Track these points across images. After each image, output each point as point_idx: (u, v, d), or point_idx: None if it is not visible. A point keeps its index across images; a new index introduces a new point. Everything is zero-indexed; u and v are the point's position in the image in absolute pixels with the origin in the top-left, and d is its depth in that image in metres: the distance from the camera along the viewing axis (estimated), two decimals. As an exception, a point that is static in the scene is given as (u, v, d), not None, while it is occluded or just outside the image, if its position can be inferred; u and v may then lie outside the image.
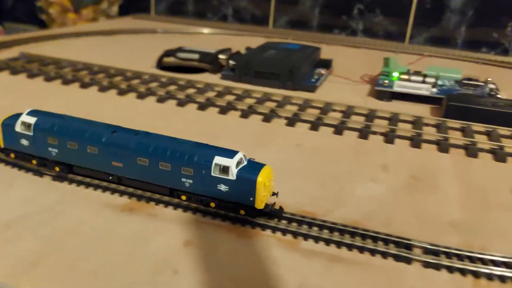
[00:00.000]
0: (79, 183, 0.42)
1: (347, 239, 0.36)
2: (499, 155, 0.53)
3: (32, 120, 0.42)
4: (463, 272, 0.34)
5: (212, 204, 0.38)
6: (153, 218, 0.39)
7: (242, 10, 1.34)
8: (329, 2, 1.26)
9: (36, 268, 0.32)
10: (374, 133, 0.58)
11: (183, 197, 0.39)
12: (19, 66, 0.76)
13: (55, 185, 0.43)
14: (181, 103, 0.64)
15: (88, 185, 0.42)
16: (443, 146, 0.55)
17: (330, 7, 1.27)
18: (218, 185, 0.37)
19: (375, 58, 0.97)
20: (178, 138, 0.40)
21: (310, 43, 1.10)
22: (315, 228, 0.37)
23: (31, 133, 0.42)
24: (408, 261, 0.35)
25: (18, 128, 0.43)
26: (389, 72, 0.75)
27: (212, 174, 0.37)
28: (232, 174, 0.37)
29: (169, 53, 0.81)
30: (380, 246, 0.36)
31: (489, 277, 0.34)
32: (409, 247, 0.36)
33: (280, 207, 0.39)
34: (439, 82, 0.73)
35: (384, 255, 0.35)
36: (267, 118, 0.60)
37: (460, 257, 0.35)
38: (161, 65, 0.81)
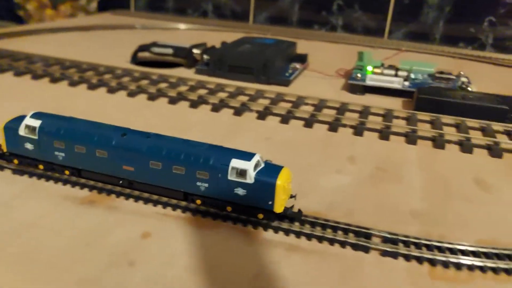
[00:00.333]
0: (40, 176, 0.42)
1: (306, 229, 0.36)
2: (465, 147, 0.54)
3: (36, 123, 0.40)
4: (419, 260, 0.34)
5: (229, 208, 0.37)
6: (114, 210, 0.38)
7: (222, 6, 1.34)
8: (309, -2, 1.26)
9: (-11, 261, 0.32)
10: (344, 126, 0.58)
11: (198, 202, 0.38)
12: (-11, 61, 0.75)
13: (15, 179, 0.42)
14: (152, 97, 0.63)
15: (48, 178, 0.42)
16: (411, 138, 0.55)
17: (310, 3, 1.27)
18: (235, 189, 0.36)
19: (353, 53, 0.97)
20: (191, 141, 0.39)
21: (290, 38, 1.10)
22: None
23: (36, 137, 0.40)
24: (366, 250, 0.35)
25: (22, 131, 0.41)
26: (363, 66, 0.75)
27: (229, 177, 0.36)
28: (250, 178, 0.35)
29: (143, 48, 0.80)
30: (340, 236, 0.36)
31: (445, 264, 0.34)
32: (368, 236, 0.36)
33: (299, 210, 0.37)
34: (412, 76, 0.73)
35: (343, 244, 0.36)
36: (238, 112, 0.60)
37: (418, 246, 0.36)
38: (136, 60, 0.81)
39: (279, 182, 0.35)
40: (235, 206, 0.37)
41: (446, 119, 0.61)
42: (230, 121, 0.59)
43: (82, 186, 0.41)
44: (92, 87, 0.66)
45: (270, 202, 0.36)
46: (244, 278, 0.32)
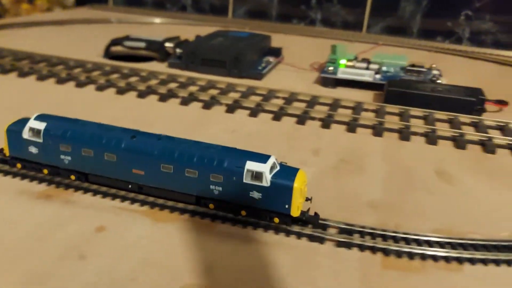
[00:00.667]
0: (-4, 171, 0.41)
1: (263, 223, 0.36)
2: (431, 138, 0.54)
3: (41, 125, 0.39)
4: (373, 250, 0.35)
5: (243, 213, 0.36)
6: (70, 204, 0.38)
7: (201, 0, 1.33)
8: (288, -8, 1.26)
9: None
10: (313, 118, 0.58)
11: (211, 206, 0.37)
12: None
13: (-28, 174, 0.42)
14: (120, 91, 0.63)
15: (6, 173, 0.41)
16: (377, 130, 0.55)
17: (289, -4, 1.26)
18: (251, 192, 0.35)
19: (330, 47, 0.97)
20: (204, 143, 0.38)
21: (269, 32, 1.10)
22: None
23: (40, 140, 0.39)
24: (321, 240, 0.35)
25: (26, 134, 0.39)
26: (336, 59, 0.75)
27: (244, 180, 0.35)
28: (266, 181, 0.34)
29: (116, 42, 0.80)
30: (296, 227, 0.36)
31: (398, 254, 0.34)
32: (324, 227, 0.37)
33: (316, 213, 0.36)
34: (384, 69, 0.73)
35: (299, 235, 0.36)
36: (207, 105, 0.60)
37: (373, 236, 0.36)
38: (109, 54, 0.80)
39: (296, 185, 0.34)
40: (250, 210, 0.36)
41: (415, 111, 0.62)
42: (198, 114, 0.58)
43: (40, 180, 0.40)
44: (60, 81, 0.65)
45: (286, 206, 0.35)
46: (197, 269, 0.32)
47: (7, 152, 0.41)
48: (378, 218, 0.39)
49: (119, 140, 0.37)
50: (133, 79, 0.67)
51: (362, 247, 0.35)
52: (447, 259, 0.34)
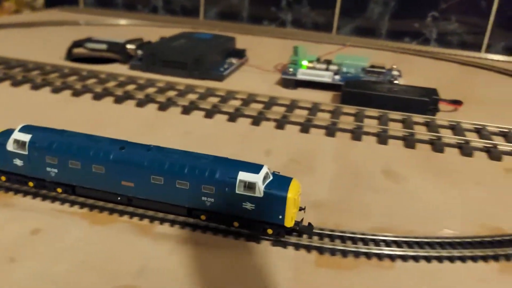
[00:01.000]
0: None
1: (201, 222, 0.37)
2: (382, 138, 0.55)
3: (26, 137, 0.38)
4: (308, 248, 0.35)
5: (236, 224, 0.36)
6: (9, 207, 0.38)
7: (173, 2, 1.32)
8: (258, -6, 1.27)
9: None
10: (268, 119, 0.59)
11: (203, 217, 0.36)
12: None
13: None
14: (76, 93, 0.62)
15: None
16: (330, 130, 0.56)
17: (260, -2, 1.27)
18: (244, 203, 0.34)
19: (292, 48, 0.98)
20: (195, 153, 0.37)
21: (239, 34, 1.10)
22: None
23: (25, 152, 0.38)
24: (258, 240, 0.36)
25: (10, 147, 0.38)
26: (297, 60, 0.76)
27: (237, 191, 0.34)
28: (259, 191, 0.34)
29: (77, 43, 0.79)
30: (234, 227, 0.36)
31: (332, 252, 0.35)
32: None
33: (309, 223, 0.36)
34: (344, 70, 0.74)
35: (236, 236, 0.36)
36: (163, 107, 0.60)
37: (309, 235, 0.36)
38: (70, 56, 0.80)
39: (290, 195, 0.34)
40: (242, 221, 0.35)
41: (371, 111, 0.63)
42: (153, 116, 0.58)
43: (-21, 184, 0.40)
44: (15, 84, 0.64)
45: (280, 216, 0.34)
46: (132, 271, 0.32)
47: None
48: (319, 218, 0.39)
49: (108, 151, 0.37)
50: (90, 81, 0.67)
51: (297, 246, 0.35)
52: (379, 256, 0.35)
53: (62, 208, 0.38)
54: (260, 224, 0.35)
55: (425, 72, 0.89)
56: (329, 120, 0.58)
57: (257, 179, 0.34)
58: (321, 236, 0.36)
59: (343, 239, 0.36)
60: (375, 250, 0.35)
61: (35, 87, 0.64)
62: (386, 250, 0.35)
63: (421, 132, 0.56)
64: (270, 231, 0.35)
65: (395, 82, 0.71)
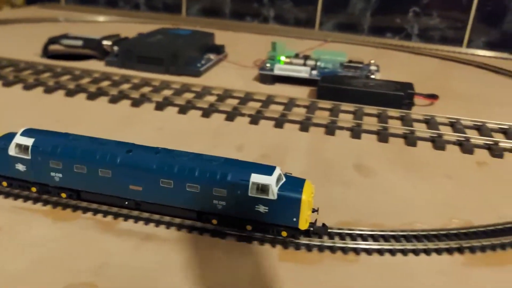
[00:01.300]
0: None
1: (165, 218, 0.36)
2: (355, 132, 0.55)
3: (29, 141, 0.36)
4: (273, 243, 0.35)
5: (249, 227, 0.35)
6: (-31, 206, 0.37)
7: (154, -2, 1.31)
8: (241, -10, 1.26)
9: None
10: (242, 115, 0.58)
11: (214, 221, 0.35)
12: None
13: None
14: (49, 90, 0.61)
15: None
16: (304, 125, 0.56)
17: (243, -6, 1.26)
18: (256, 206, 0.34)
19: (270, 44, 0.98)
20: (205, 155, 0.36)
21: (222, 30, 1.10)
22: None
23: (28, 157, 0.36)
24: (222, 236, 0.35)
25: (12, 151, 0.37)
26: (275, 56, 0.75)
27: (249, 194, 0.33)
28: (273, 194, 0.33)
29: (53, 40, 0.78)
30: (198, 224, 0.36)
31: (297, 246, 0.35)
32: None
33: (323, 224, 0.35)
34: (322, 65, 0.74)
35: (201, 231, 0.36)
36: (137, 103, 0.59)
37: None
38: (46, 53, 0.78)
39: (304, 197, 0.33)
40: (255, 224, 0.34)
41: (347, 106, 0.62)
42: (126, 112, 0.58)
43: None
44: (-14, 81, 0.64)
45: (294, 219, 0.33)
46: (89, 268, 0.31)
47: None
48: (286, 212, 0.39)
49: (114, 155, 0.35)
50: (64, 78, 0.66)
51: (262, 241, 0.35)
52: (344, 250, 0.34)
53: (25, 205, 0.37)
54: (274, 227, 0.34)
55: (404, 67, 0.89)
56: (304, 115, 0.58)
57: (270, 181, 0.33)
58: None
59: (308, 233, 0.36)
60: (339, 244, 0.35)
61: (6, 84, 0.63)
62: (351, 244, 0.35)
63: (394, 126, 0.56)
64: (284, 233, 0.34)
65: (372, 77, 0.71)
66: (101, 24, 1.15)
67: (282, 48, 0.78)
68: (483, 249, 0.35)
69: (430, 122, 0.59)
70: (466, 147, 0.52)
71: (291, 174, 0.35)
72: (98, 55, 0.77)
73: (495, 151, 0.52)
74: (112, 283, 0.30)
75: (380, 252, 0.34)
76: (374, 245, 0.35)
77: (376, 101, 0.63)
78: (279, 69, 0.71)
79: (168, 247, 0.34)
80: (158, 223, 0.36)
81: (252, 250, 0.34)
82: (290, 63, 0.73)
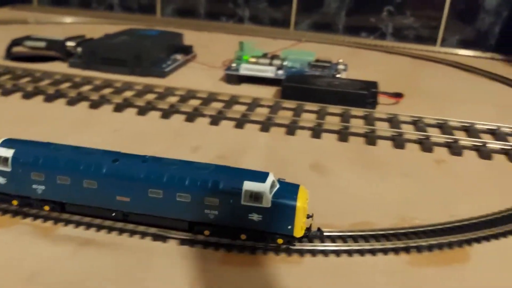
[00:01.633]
0: None
1: (106, 223, 0.35)
2: (316, 132, 0.54)
3: (8, 153, 0.35)
4: (216, 246, 0.34)
5: (243, 236, 0.34)
6: None
7: (129, -1, 1.30)
8: (216, -10, 1.25)
9: None
10: (203, 116, 0.58)
11: (206, 232, 0.34)
12: None
13: None
14: (4, 93, 0.60)
15: None
16: (265, 125, 0.55)
17: (218, -6, 1.26)
18: (250, 215, 0.33)
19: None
20: (195, 163, 0.35)
21: (196, 32, 1.10)
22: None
23: (8, 169, 0.35)
24: (164, 239, 0.34)
25: None
26: (242, 56, 0.75)
27: (242, 202, 0.32)
28: (267, 201, 0.32)
29: (16, 42, 0.77)
30: (141, 227, 0.35)
31: (241, 249, 0.34)
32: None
33: (318, 228, 0.34)
34: (289, 65, 0.73)
35: (143, 235, 0.35)
36: (95, 105, 0.58)
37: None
38: (10, 55, 0.77)
39: (299, 204, 0.32)
40: (250, 233, 0.33)
41: (311, 106, 0.62)
42: (83, 114, 0.56)
43: None
44: None
45: (289, 227, 0.32)
46: (21, 277, 0.30)
47: None
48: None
49: (100, 164, 0.34)
50: (23, 80, 0.65)
51: (205, 245, 0.34)
52: (288, 252, 0.34)
53: (-38, 212, 0.36)
54: (269, 235, 0.33)
55: (375, 66, 0.89)
56: (266, 115, 0.57)
57: (264, 188, 0.32)
58: (232, 233, 0.35)
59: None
60: (284, 245, 0.34)
61: (-38, 87, 0.61)
62: (296, 245, 0.34)
63: (356, 125, 0.56)
64: (280, 240, 0.33)
65: (338, 76, 0.70)
66: (73, 26, 1.13)
67: (250, 47, 0.78)
68: (430, 248, 0.35)
69: (392, 121, 0.58)
70: (425, 145, 0.52)
71: (284, 179, 0.34)
72: (62, 57, 0.76)
73: (455, 149, 0.52)
74: (43, 291, 0.29)
75: (325, 253, 0.34)
76: (320, 247, 0.34)
77: (340, 100, 0.62)
78: (245, 69, 0.70)
79: (106, 252, 0.33)
80: (99, 228, 0.35)
81: (195, 255, 0.33)
82: (256, 63, 0.72)
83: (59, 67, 0.73)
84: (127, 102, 0.59)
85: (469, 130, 0.57)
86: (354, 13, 1.20)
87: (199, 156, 0.47)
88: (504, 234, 0.37)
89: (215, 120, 0.56)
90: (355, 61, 0.88)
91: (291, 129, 0.54)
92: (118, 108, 0.58)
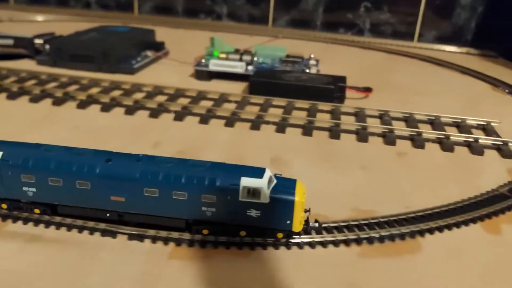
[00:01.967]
0: None
1: (56, 219, 0.35)
2: (280, 127, 0.54)
3: None
4: (166, 241, 0.34)
5: (243, 233, 0.33)
6: None
7: (106, -3, 1.29)
8: (193, -13, 1.25)
9: None
10: (168, 111, 0.57)
11: (205, 231, 0.34)
12: None
13: None
14: (-34, 91, 0.59)
15: None
16: (230, 121, 0.55)
17: (195, -8, 1.25)
18: (248, 211, 0.32)
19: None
20: (191, 160, 0.34)
21: (173, 29, 1.09)
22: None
23: None
24: (113, 235, 0.34)
25: None
26: (213, 52, 0.74)
27: (240, 199, 0.32)
28: (265, 197, 0.32)
29: (-17, 40, 0.75)
30: (89, 223, 0.35)
31: (190, 243, 0.34)
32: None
33: (316, 220, 0.34)
34: (260, 60, 0.73)
35: (92, 231, 0.34)
36: (59, 102, 0.58)
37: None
38: (-22, 53, 0.76)
39: (297, 198, 0.32)
40: (249, 229, 0.33)
41: (278, 101, 0.62)
42: (46, 112, 0.56)
43: None
44: None
45: (288, 222, 0.32)
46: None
47: None
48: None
49: (93, 165, 0.33)
50: (-14, 78, 0.64)
51: (154, 239, 0.34)
52: (239, 245, 0.34)
53: None
54: (268, 231, 0.33)
55: (349, 61, 0.89)
56: (229, 111, 0.57)
57: (261, 184, 0.32)
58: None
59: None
60: (234, 239, 0.34)
61: None
62: (246, 239, 0.34)
63: (321, 119, 0.56)
64: (280, 235, 0.33)
65: (307, 71, 0.70)
66: (48, 24, 1.12)
67: (221, 43, 0.77)
68: (381, 239, 0.35)
69: (358, 115, 0.58)
70: (389, 138, 0.52)
71: (280, 175, 0.34)
72: (30, 54, 0.75)
73: (417, 141, 0.52)
74: (-14, 289, 0.29)
75: (275, 246, 0.34)
76: (271, 239, 0.34)
77: (307, 95, 0.62)
78: (214, 65, 0.70)
79: (52, 248, 0.32)
80: (48, 224, 0.35)
81: (143, 250, 0.33)
82: (226, 59, 0.72)
83: (27, 65, 0.72)
84: (91, 99, 0.59)
85: (434, 123, 0.57)
86: (331, 9, 1.20)
87: (159, 152, 0.47)
88: (457, 225, 0.37)
89: (179, 116, 0.55)
90: (329, 56, 0.89)
91: (255, 124, 0.54)
92: (82, 105, 0.57)
